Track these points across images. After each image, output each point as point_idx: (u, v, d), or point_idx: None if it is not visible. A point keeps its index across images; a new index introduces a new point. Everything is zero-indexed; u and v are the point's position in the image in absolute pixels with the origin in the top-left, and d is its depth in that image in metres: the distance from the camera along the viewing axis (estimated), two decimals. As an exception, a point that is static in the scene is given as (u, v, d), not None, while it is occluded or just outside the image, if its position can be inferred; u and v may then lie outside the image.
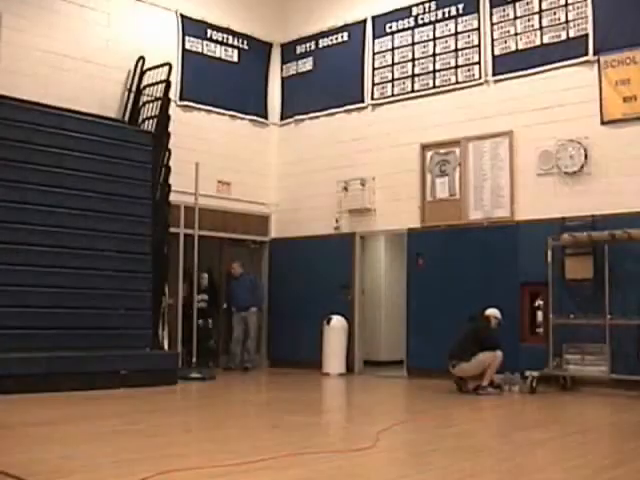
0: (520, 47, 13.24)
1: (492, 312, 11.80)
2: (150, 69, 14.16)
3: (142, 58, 14.21)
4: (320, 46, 16.13)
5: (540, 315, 12.48)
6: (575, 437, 7.81)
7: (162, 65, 13.99)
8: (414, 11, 14.65)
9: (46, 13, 13.28)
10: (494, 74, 13.53)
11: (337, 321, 14.61)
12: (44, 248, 11.71)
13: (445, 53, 14.21)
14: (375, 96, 15.11)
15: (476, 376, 11.51)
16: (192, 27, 15.31)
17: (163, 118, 13.75)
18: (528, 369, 11.66)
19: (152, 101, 13.97)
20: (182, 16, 15.15)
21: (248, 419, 9.13)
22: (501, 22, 13.48)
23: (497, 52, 13.51)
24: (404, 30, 14.77)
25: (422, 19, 14.55)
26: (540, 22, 13.02)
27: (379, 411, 10.30)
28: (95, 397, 10.42)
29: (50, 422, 8.36)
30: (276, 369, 15.23)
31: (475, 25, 13.83)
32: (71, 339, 11.52)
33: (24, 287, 11.38)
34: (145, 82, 14.16)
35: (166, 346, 13.31)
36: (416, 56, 14.59)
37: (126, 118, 14.11)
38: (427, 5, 14.47)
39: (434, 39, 14.38)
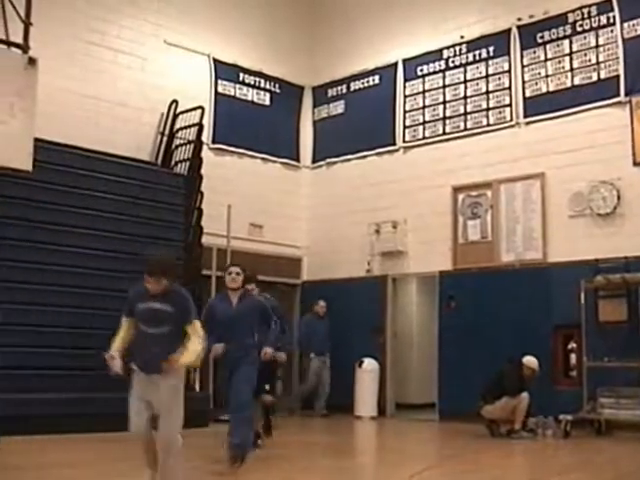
0: (551, 89, 13.23)
1: (527, 360, 11.57)
2: (183, 112, 14.34)
3: (175, 101, 14.39)
4: (351, 89, 16.23)
5: (574, 358, 12.34)
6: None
7: (195, 108, 14.17)
8: (445, 54, 14.72)
9: (81, 57, 13.49)
10: (525, 116, 13.52)
11: (369, 364, 14.52)
12: (76, 289, 11.77)
13: (476, 95, 14.24)
14: (406, 139, 15.14)
15: (508, 419, 11.36)
16: (225, 71, 15.49)
17: (195, 161, 13.88)
18: (562, 413, 11.49)
19: (185, 144, 14.13)
20: (215, 60, 15.35)
21: (280, 461, 9.02)
22: (532, 64, 13.50)
23: (528, 94, 13.51)
24: (435, 73, 14.84)
25: (453, 62, 14.61)
26: (571, 64, 13.02)
27: (411, 455, 10.18)
28: (119, 439, 10.32)
29: (63, 464, 8.26)
30: (307, 412, 15.11)
31: (506, 67, 13.85)
32: (94, 380, 11.43)
33: (43, 327, 11.32)
34: (178, 125, 14.34)
35: (197, 387, 13.26)
36: (447, 99, 14.64)
37: (159, 161, 14.28)
38: (458, 48, 14.53)
39: (465, 82, 14.42)
